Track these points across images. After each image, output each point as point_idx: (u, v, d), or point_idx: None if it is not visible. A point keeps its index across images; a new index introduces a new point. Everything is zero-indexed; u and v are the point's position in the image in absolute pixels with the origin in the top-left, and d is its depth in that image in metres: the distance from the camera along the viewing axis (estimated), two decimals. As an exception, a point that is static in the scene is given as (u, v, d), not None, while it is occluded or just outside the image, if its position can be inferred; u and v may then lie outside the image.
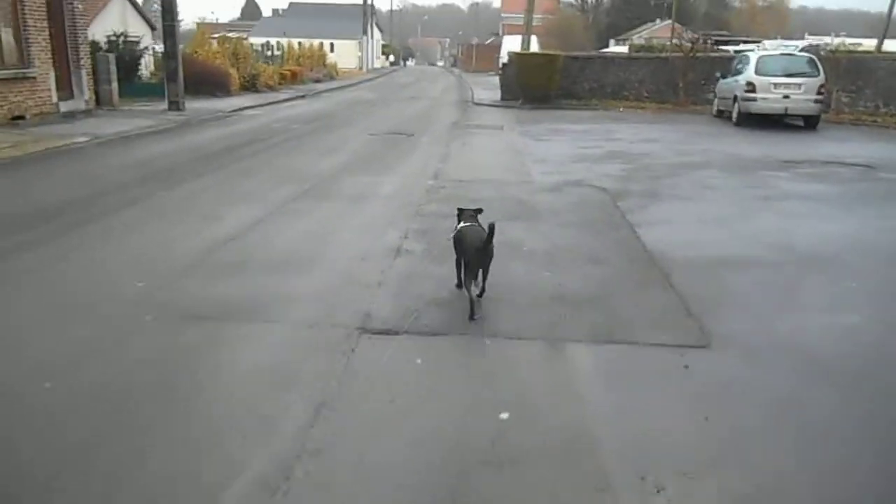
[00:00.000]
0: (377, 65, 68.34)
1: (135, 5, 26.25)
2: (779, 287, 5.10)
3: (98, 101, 17.03)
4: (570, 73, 22.92)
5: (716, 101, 19.17)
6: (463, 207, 4.74)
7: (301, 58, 40.10)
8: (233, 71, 25.31)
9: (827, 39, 27.61)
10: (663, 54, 23.93)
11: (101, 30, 21.37)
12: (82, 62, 16.09)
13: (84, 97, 16.19)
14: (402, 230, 6.34)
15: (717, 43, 29.52)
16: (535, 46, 30.40)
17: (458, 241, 4.45)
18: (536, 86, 21.96)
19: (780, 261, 5.68)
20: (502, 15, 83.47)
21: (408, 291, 4.71)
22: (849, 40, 29.45)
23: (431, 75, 55.61)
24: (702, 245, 6.09)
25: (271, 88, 27.88)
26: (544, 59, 22.57)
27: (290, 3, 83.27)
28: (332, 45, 59.66)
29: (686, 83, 21.75)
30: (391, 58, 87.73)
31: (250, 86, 26.29)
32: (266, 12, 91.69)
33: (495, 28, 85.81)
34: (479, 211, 4.69)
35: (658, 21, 75.60)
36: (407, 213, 7.08)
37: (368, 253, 5.64)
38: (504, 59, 27.35)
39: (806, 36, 35.19)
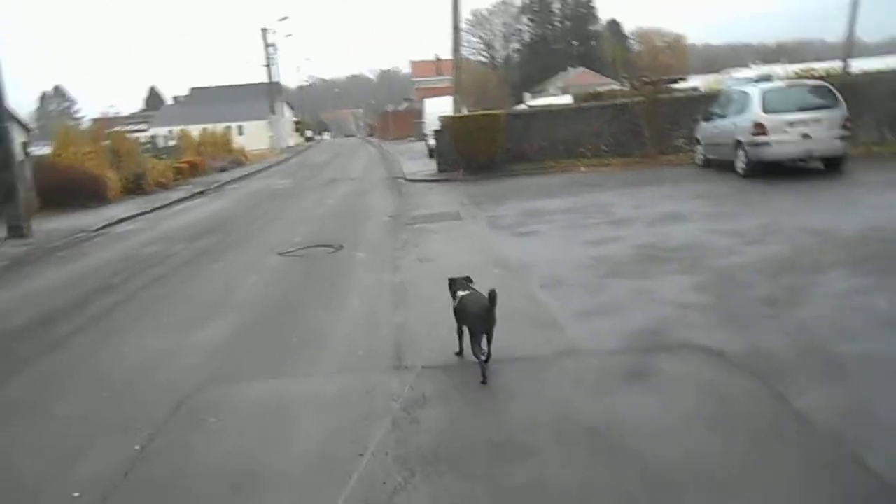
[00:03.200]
0: (291, 142, 64.29)
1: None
2: None
3: None
4: (513, 133, 19.46)
5: (699, 148, 15.91)
6: (454, 277, 4.90)
7: (202, 145, 35.73)
8: (111, 173, 20.76)
9: (777, 68, 25.41)
10: (619, 101, 20.78)
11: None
12: None
13: None
14: None
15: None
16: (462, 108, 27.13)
17: (460, 310, 4.55)
18: (479, 152, 18.46)
19: None
20: (413, 80, 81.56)
21: None
22: (791, 66, 27.39)
23: (350, 148, 51.82)
24: None
25: (164, 187, 23.40)
26: (484, 121, 19.01)
27: (192, 89, 79.08)
28: (240, 127, 55.65)
29: (653, 131, 18.57)
30: (307, 133, 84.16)
31: (136, 187, 21.71)
32: (170, 101, 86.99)
33: (407, 93, 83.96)
34: (469, 280, 4.84)
35: (570, 70, 75.32)
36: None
37: None
38: (432, 125, 23.86)
39: (750, 65, 33.27)
